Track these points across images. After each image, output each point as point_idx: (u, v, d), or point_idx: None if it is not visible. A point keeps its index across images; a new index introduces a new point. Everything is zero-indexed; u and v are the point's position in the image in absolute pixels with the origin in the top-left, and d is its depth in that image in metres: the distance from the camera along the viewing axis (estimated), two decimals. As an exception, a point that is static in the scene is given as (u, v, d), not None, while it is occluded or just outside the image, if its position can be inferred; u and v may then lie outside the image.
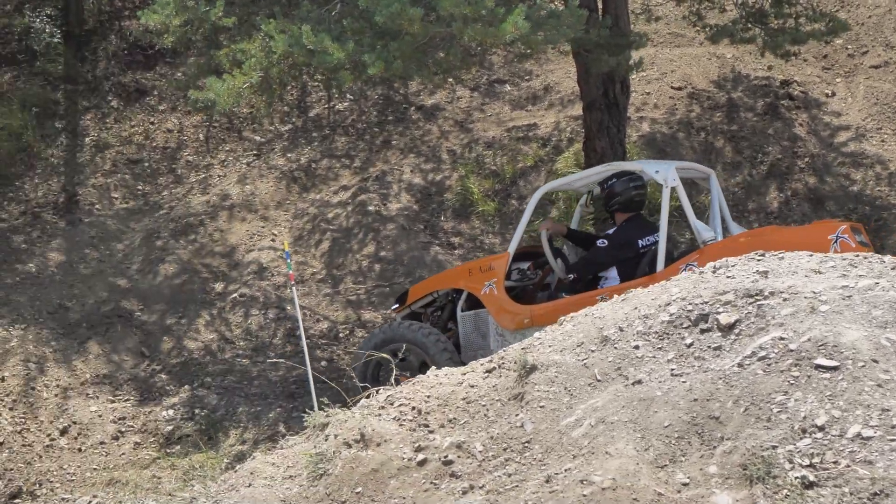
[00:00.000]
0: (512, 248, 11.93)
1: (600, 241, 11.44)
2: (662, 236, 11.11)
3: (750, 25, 14.35)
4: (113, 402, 13.28)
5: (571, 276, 11.47)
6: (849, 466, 6.05)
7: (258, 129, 18.16)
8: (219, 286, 15.33)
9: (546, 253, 11.78)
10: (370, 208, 16.22)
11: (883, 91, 17.03)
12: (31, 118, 17.88)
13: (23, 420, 12.78)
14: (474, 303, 12.12)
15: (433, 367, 8.44)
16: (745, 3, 15.06)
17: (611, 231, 11.57)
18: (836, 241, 10.35)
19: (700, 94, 17.18)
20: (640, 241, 11.38)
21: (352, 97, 18.46)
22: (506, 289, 11.88)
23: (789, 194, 15.87)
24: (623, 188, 11.52)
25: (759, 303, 7.25)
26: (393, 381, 8.28)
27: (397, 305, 12.94)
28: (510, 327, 11.63)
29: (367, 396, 7.98)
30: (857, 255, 7.98)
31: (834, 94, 17.26)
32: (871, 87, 17.21)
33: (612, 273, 11.38)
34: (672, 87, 17.31)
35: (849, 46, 17.93)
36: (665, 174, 11.20)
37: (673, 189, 11.20)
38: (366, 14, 10.97)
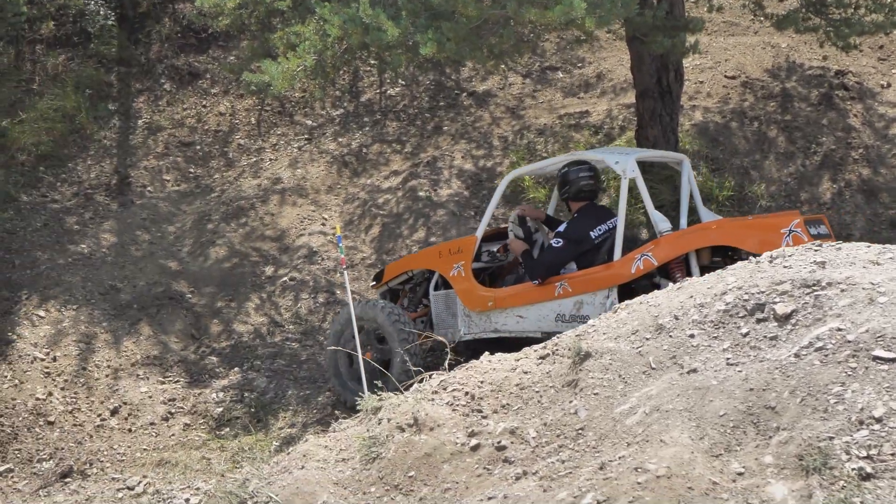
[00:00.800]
0: (479, 231, 12.21)
1: (555, 239, 11.52)
2: (620, 225, 11.17)
3: (811, 15, 14.21)
4: (163, 383, 13.36)
5: (536, 281, 11.56)
6: (907, 459, 6.01)
7: (310, 114, 18.20)
8: (269, 270, 15.37)
9: (510, 233, 12.08)
10: (420, 194, 16.22)
11: (940, 82, 16.90)
12: (85, 100, 18.01)
13: (74, 400, 12.88)
14: (447, 282, 12.44)
15: (485, 354, 8.43)
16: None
17: (562, 227, 11.64)
18: (788, 235, 10.42)
19: (754, 83, 17.06)
20: (592, 233, 11.49)
21: (404, 82, 18.46)
22: (478, 269, 12.25)
23: (842, 185, 15.73)
24: (574, 177, 11.67)
25: (816, 293, 7.19)
26: (446, 367, 8.29)
27: (375, 283, 13.41)
28: (476, 308, 11.96)
29: (420, 381, 7.99)
30: (916, 247, 7.90)
31: (889, 84, 17.09)
32: (928, 78, 17.07)
33: (571, 264, 11.55)
34: (726, 76, 17.20)
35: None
36: (624, 165, 11.27)
37: (632, 180, 11.28)
38: (420, -5, 10.98)
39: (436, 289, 12.49)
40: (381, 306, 12.24)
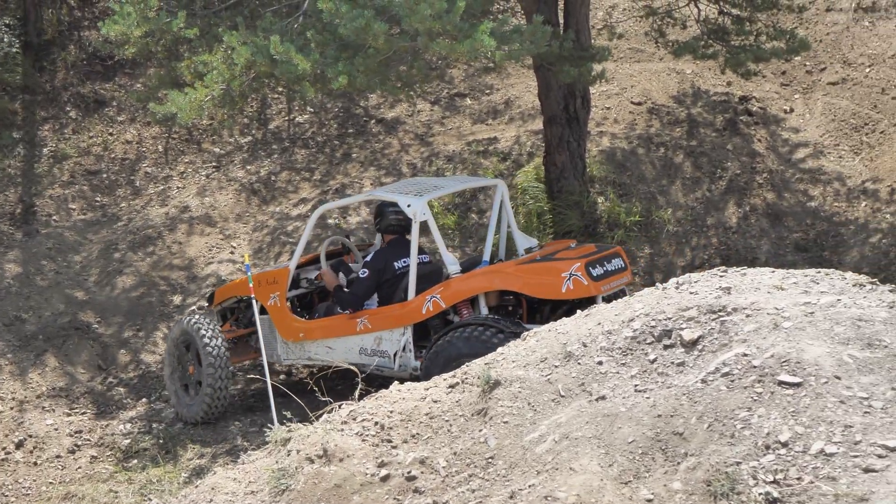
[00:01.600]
0: (293, 263, 12.67)
1: (362, 270, 11.99)
2: (413, 267, 11.63)
3: (712, 42, 14.44)
4: (69, 415, 13.16)
5: (347, 311, 12.02)
6: (812, 483, 6.06)
7: (218, 141, 18.09)
8: (177, 299, 15.23)
9: (322, 263, 12.64)
10: (330, 221, 16.18)
11: (840, 108, 17.16)
12: (-11, 128, 17.77)
13: (-23, 433, 12.66)
14: None
15: (395, 383, 8.41)
16: (706, 21, 15.16)
17: (369, 258, 12.12)
18: (569, 279, 10.94)
19: (660, 109, 17.25)
20: (396, 264, 11.99)
21: (312, 110, 18.42)
22: (300, 295, 12.88)
23: (748, 210, 15.95)
24: (385, 212, 12.13)
25: (722, 319, 7.26)
26: (356, 396, 8.25)
27: (208, 305, 13.97)
28: (289, 339, 12.47)
29: (330, 411, 7.94)
30: (819, 272, 8.02)
31: (792, 110, 17.38)
32: (829, 103, 17.34)
33: (373, 299, 12.06)
34: (632, 103, 17.38)
35: (807, 63, 18.06)
36: (416, 208, 11.65)
37: (424, 223, 11.70)
38: (330, 27, 10.96)
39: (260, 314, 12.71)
40: (195, 324, 12.49)
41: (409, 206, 11.66)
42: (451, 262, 11.64)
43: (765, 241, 15.64)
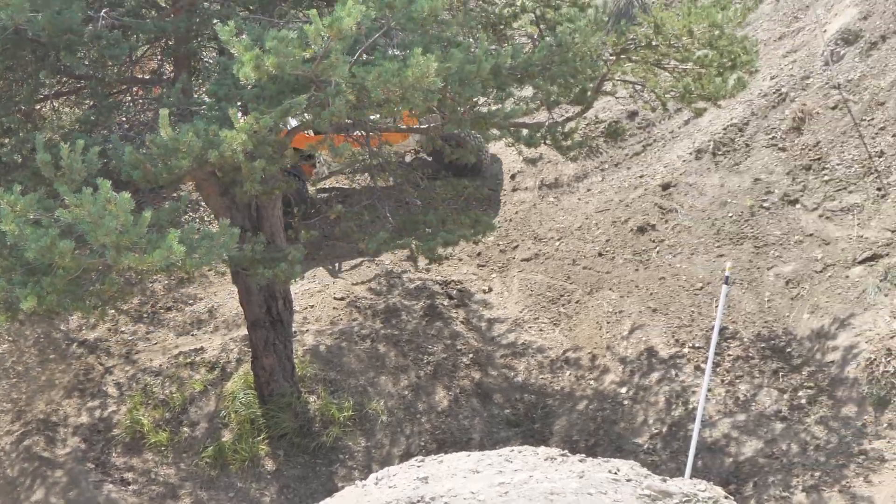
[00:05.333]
0: None
1: None
2: None
3: (402, 235, 14.76)
4: None
5: None
6: None
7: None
8: None
9: None
10: (35, 450, 15.62)
11: (536, 282, 17.75)
12: None
13: None
14: None
15: None
16: (392, 215, 15.51)
17: None
18: None
19: (361, 302, 17.46)
20: None
21: (10, 338, 17.86)
22: None
23: (458, 391, 16.20)
24: None
25: (421, 509, 7.31)
26: None
27: None
28: None
29: None
30: (513, 450, 8.18)
31: (491, 289, 17.88)
32: (525, 279, 17.91)
33: None
34: (335, 298, 17.55)
35: (500, 243, 18.68)
36: None
37: None
38: (15, 251, 10.72)
39: None
40: None
41: None
42: None
43: (477, 421, 15.89)
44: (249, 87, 11.61)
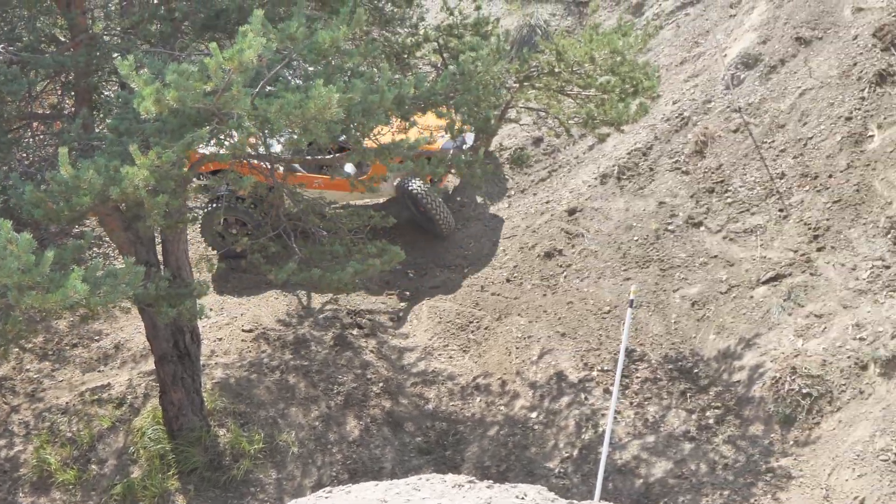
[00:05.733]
0: None
1: None
2: None
3: (304, 267, 14.70)
4: None
5: None
6: None
7: None
8: None
9: None
10: (-61, 496, 15.36)
11: (444, 309, 17.78)
12: None
13: None
14: None
15: None
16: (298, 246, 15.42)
17: None
18: None
19: (269, 333, 17.39)
20: None
21: None
22: None
23: (368, 421, 16.18)
24: None
25: (328, 541, 7.29)
26: None
27: None
28: None
29: None
30: (421, 478, 8.19)
31: (400, 317, 17.87)
32: (434, 306, 17.93)
33: None
34: (243, 331, 17.45)
35: (409, 271, 18.67)
36: None
37: None
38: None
39: None
40: None
41: None
42: None
43: (389, 450, 15.88)
44: (151, 121, 11.54)
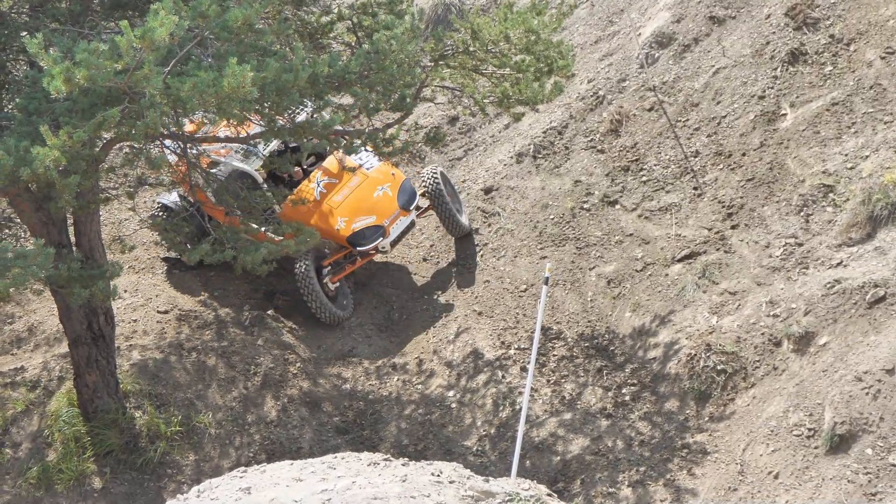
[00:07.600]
0: None
1: None
2: None
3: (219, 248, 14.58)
4: None
5: None
6: None
7: None
8: None
9: None
10: None
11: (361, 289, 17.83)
12: None
13: None
14: None
15: None
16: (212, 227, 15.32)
17: None
18: None
19: (188, 314, 17.27)
20: None
21: None
22: None
23: (286, 401, 16.14)
24: None
25: (242, 521, 7.28)
26: None
27: None
28: None
29: None
30: (336, 456, 8.20)
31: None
32: (351, 286, 17.92)
33: None
34: (159, 312, 17.31)
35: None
36: None
37: None
38: None
39: None
40: None
41: None
42: None
43: (307, 430, 15.87)
44: (61, 100, 11.40)
